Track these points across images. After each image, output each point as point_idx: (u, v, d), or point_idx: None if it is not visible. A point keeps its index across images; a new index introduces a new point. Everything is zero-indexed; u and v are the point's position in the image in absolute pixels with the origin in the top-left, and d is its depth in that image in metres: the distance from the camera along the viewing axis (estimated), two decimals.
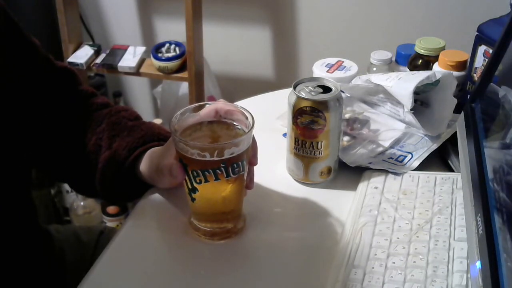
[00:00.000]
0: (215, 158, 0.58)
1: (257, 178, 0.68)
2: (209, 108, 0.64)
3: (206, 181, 0.60)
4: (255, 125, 0.61)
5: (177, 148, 0.60)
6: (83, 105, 0.78)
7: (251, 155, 0.63)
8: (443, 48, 0.88)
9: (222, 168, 0.59)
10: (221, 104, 0.64)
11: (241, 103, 0.84)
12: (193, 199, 0.63)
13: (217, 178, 0.60)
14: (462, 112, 0.69)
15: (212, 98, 1.73)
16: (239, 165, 0.60)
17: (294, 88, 0.70)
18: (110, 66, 1.58)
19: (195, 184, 0.61)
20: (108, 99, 0.81)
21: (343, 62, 0.91)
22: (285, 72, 1.81)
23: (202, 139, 0.63)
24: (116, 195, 0.74)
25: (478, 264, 0.49)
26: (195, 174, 0.60)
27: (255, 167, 0.66)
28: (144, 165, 0.69)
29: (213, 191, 0.62)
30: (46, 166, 0.80)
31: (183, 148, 0.59)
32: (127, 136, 0.72)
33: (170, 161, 0.63)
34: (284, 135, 0.79)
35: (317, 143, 0.70)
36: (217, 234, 0.65)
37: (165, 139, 0.72)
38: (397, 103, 0.79)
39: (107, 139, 0.72)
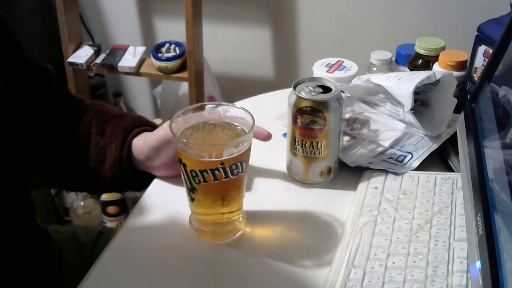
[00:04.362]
0: (214, 159, 0.58)
1: (257, 178, 0.68)
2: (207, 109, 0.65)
3: (205, 181, 0.60)
4: (255, 125, 0.61)
5: (177, 148, 0.60)
6: (62, 101, 0.78)
7: (260, 133, 0.65)
8: (443, 48, 0.88)
9: (221, 169, 0.59)
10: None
11: (241, 103, 0.84)
12: (192, 199, 0.63)
13: (215, 179, 0.60)
14: (462, 112, 0.69)
15: (212, 98, 1.73)
16: (238, 166, 0.60)
17: (294, 88, 0.70)
18: (110, 66, 1.58)
19: (194, 184, 0.61)
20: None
21: (343, 62, 0.91)
22: (285, 72, 1.81)
23: (202, 140, 0.63)
24: (123, 184, 0.75)
25: (478, 264, 0.49)
26: (194, 174, 0.60)
27: (254, 168, 0.66)
28: (138, 149, 0.70)
29: (212, 191, 0.62)
30: (36, 168, 0.79)
31: (182, 148, 0.59)
32: (120, 120, 0.72)
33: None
34: (284, 135, 0.79)
35: (317, 143, 0.70)
36: (217, 235, 0.65)
37: (156, 126, 0.73)
38: (397, 103, 0.79)
39: (97, 126, 0.72)
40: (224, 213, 0.65)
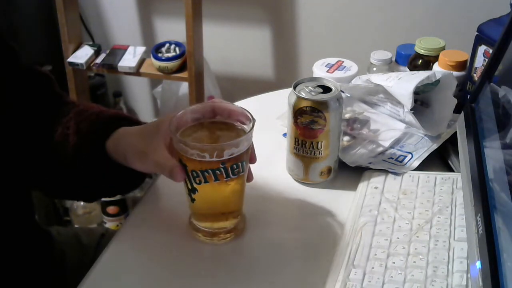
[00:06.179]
0: (215, 159, 0.58)
1: (257, 178, 0.67)
2: (205, 104, 0.64)
3: (206, 181, 0.60)
4: (255, 125, 0.61)
5: (177, 149, 0.60)
6: (53, 107, 0.75)
7: (249, 151, 0.62)
8: (443, 48, 0.88)
9: (222, 169, 0.59)
10: (218, 104, 0.64)
11: (241, 103, 0.84)
12: (192, 200, 0.63)
13: (216, 179, 0.60)
14: (462, 112, 0.69)
15: (212, 98, 1.73)
16: (238, 166, 0.60)
17: (294, 88, 0.70)
18: (110, 66, 1.58)
19: (194, 185, 0.61)
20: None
21: (343, 62, 0.91)
22: (285, 72, 1.81)
23: (202, 140, 0.63)
24: (95, 183, 0.70)
25: (478, 264, 0.49)
26: (195, 174, 0.60)
27: (254, 168, 0.66)
28: (115, 143, 0.66)
29: (213, 191, 0.62)
30: (26, 176, 0.75)
31: (183, 148, 0.59)
32: (96, 119, 0.69)
33: (166, 157, 0.61)
34: (284, 135, 0.79)
35: (317, 143, 0.70)
36: (217, 235, 0.65)
37: (136, 122, 0.70)
38: (397, 103, 0.79)
39: (74, 126, 0.69)
40: (224, 213, 0.65)
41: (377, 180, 0.72)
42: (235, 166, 0.59)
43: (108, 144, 0.66)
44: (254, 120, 0.61)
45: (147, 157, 0.63)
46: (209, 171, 0.59)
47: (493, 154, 0.58)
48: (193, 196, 0.62)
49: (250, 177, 0.66)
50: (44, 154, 0.71)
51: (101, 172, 0.68)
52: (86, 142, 0.67)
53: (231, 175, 0.60)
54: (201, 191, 0.61)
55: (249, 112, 0.62)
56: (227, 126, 0.64)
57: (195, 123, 0.64)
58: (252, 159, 0.65)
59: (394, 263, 0.58)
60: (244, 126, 0.63)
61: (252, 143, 0.63)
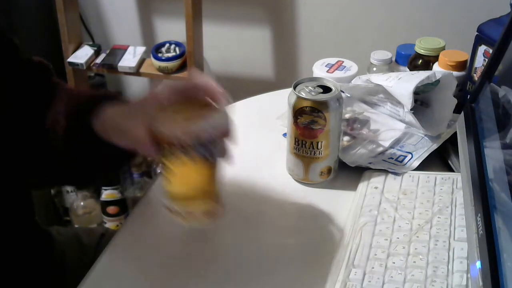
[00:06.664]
0: (191, 139, 0.57)
1: (257, 178, 0.68)
2: (187, 83, 0.63)
3: (180, 162, 0.59)
4: (232, 107, 0.59)
5: (154, 129, 0.59)
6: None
7: (227, 131, 0.61)
8: (443, 48, 0.88)
9: (198, 149, 0.58)
10: (200, 82, 0.62)
11: (241, 103, 0.84)
12: (168, 181, 0.62)
13: (191, 159, 0.59)
14: (462, 112, 0.69)
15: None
16: (215, 146, 0.59)
17: (294, 88, 0.70)
18: (110, 66, 1.58)
19: (169, 165, 0.60)
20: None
21: (343, 62, 0.91)
22: (285, 72, 1.81)
23: (180, 120, 0.62)
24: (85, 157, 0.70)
25: (478, 264, 0.49)
26: (169, 154, 0.59)
27: (255, 167, 0.66)
28: (103, 123, 0.66)
29: (188, 172, 0.61)
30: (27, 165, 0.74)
31: (160, 129, 0.58)
32: (85, 101, 0.69)
33: (140, 133, 0.61)
34: (284, 135, 0.79)
35: (317, 143, 0.70)
36: (193, 215, 0.63)
37: (124, 100, 0.70)
38: (397, 103, 0.79)
39: (63, 107, 0.69)
40: (201, 194, 0.63)
41: (377, 180, 0.72)
42: (209, 146, 0.59)
43: (96, 123, 0.66)
44: (231, 100, 0.60)
45: (128, 134, 0.62)
46: (184, 151, 0.58)
47: (493, 154, 0.58)
48: (169, 177, 0.61)
49: (230, 158, 0.63)
50: (37, 142, 0.70)
51: (92, 152, 0.68)
52: (76, 124, 0.67)
53: (207, 155, 0.59)
54: (176, 171, 0.60)
55: (224, 92, 0.60)
56: (203, 106, 0.62)
57: (175, 103, 0.62)
58: (231, 138, 0.62)
59: (394, 263, 0.58)
60: (222, 106, 0.61)
61: (232, 122, 0.61)
